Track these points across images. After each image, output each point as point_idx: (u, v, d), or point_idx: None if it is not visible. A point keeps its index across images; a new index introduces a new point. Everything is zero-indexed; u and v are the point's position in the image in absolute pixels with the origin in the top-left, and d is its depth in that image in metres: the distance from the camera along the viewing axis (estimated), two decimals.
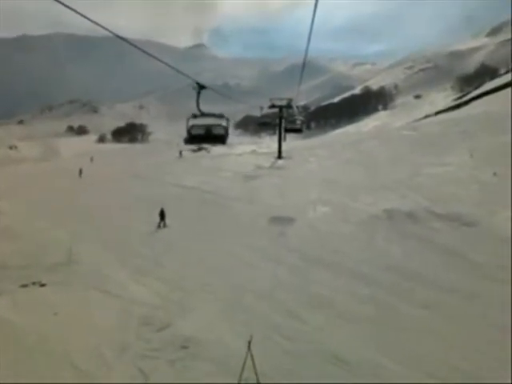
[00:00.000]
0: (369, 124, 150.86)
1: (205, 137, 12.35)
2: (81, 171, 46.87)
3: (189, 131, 12.42)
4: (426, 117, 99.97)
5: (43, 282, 14.22)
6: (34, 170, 60.67)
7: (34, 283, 14.02)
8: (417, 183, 28.53)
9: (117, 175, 45.52)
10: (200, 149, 72.75)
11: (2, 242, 19.66)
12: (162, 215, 23.26)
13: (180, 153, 64.86)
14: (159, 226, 23.19)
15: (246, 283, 14.78)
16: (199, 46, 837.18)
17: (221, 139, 12.64)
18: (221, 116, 12.19)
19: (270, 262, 17.00)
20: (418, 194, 25.83)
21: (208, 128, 12.26)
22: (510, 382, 9.38)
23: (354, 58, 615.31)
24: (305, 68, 23.15)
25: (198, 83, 10.66)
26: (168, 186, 35.85)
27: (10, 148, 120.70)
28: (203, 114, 11.67)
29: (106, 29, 6.82)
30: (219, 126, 12.38)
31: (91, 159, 68.84)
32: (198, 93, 10.86)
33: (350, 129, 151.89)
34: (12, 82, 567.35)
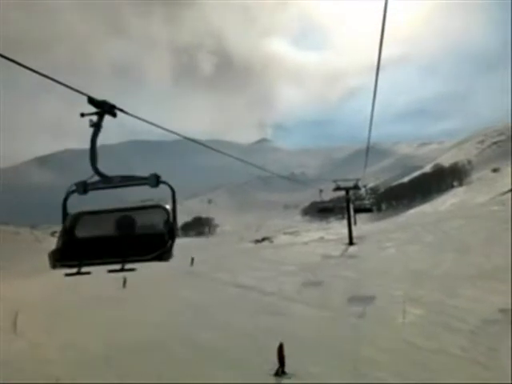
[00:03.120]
0: (446, 201, 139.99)
1: (114, 242, 4.16)
2: (125, 280, 37.24)
3: (70, 228, 4.41)
4: None
5: None
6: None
7: None
8: None
9: (169, 274, 41.71)
10: (263, 239, 68.83)
11: None
12: (282, 356, 14.64)
13: (192, 260, 45.41)
14: (277, 374, 14.49)
15: None
16: (263, 140, 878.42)
17: (156, 246, 3.97)
18: (152, 180, 4.33)
19: None
20: None
21: (124, 218, 4.26)
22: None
23: (418, 139, 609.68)
24: (369, 151, 23.86)
25: (90, 98, 3.96)
26: (224, 285, 31.03)
27: None
28: (104, 179, 4.30)
29: (177, 133, 7.51)
30: (155, 208, 4.40)
31: None
32: (96, 125, 4.15)
33: (426, 208, 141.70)
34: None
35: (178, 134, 7.52)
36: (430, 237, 38.83)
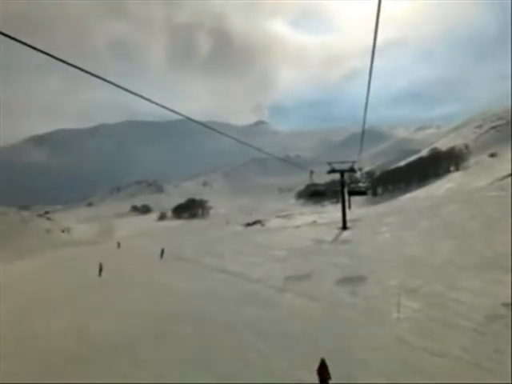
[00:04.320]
0: (442, 186, 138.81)
1: None
2: (101, 267, 34.64)
3: None
4: None
5: None
6: (64, 256, 56.75)
7: None
8: None
9: (155, 258, 40.24)
10: (254, 222, 67.43)
11: None
12: (326, 373, 10.20)
13: (162, 252, 41.91)
14: None
15: None
16: (260, 122, 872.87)
17: None
18: None
19: None
20: None
21: None
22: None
23: (415, 122, 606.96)
24: (365, 135, 23.19)
25: None
26: (210, 271, 29.39)
27: (62, 231, 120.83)
28: None
29: (180, 113, 7.63)
30: None
31: (118, 245, 62.84)
32: None
33: (422, 192, 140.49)
34: (86, 168, 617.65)
35: (181, 114, 7.48)
36: (427, 222, 37.24)
